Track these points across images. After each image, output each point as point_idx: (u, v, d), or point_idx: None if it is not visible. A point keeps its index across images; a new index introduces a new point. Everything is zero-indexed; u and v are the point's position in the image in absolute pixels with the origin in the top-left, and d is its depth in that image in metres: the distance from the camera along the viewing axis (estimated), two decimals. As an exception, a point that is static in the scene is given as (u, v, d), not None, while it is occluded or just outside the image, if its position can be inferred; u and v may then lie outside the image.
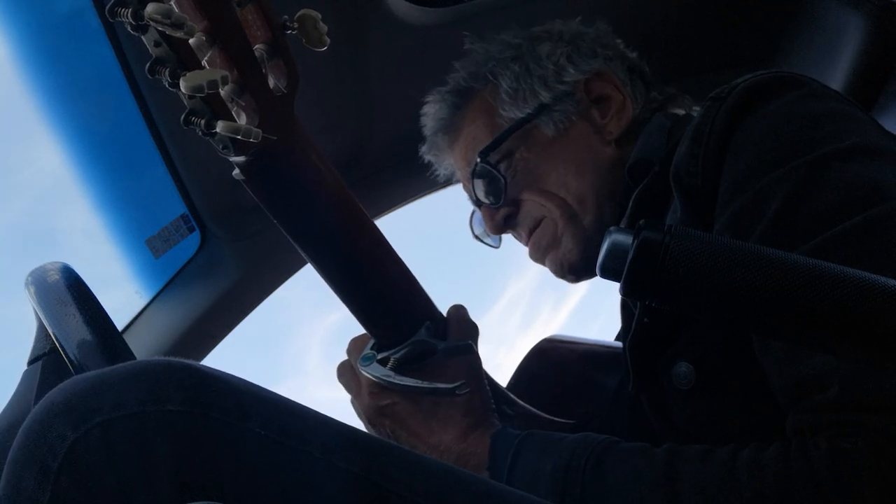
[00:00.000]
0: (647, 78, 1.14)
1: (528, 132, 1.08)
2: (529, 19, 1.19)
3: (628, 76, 1.12)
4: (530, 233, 1.11)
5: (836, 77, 1.33)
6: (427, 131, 1.20)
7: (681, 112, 1.10)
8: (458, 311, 0.98)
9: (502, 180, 1.08)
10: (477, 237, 1.23)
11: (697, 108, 0.90)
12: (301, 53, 0.74)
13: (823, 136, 0.75)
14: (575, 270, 1.09)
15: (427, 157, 1.23)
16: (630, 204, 0.95)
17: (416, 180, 1.51)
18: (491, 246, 1.22)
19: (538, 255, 1.11)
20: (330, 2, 1.24)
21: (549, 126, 1.07)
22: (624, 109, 1.09)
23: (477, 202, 1.13)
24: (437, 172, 1.25)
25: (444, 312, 0.98)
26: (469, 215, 1.24)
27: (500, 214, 1.11)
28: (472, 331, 0.97)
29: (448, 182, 1.33)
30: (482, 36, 1.17)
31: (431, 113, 1.18)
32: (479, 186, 1.10)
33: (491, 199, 1.10)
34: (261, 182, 0.78)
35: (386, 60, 1.35)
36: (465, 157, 1.14)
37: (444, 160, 1.21)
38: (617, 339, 1.10)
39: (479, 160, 1.08)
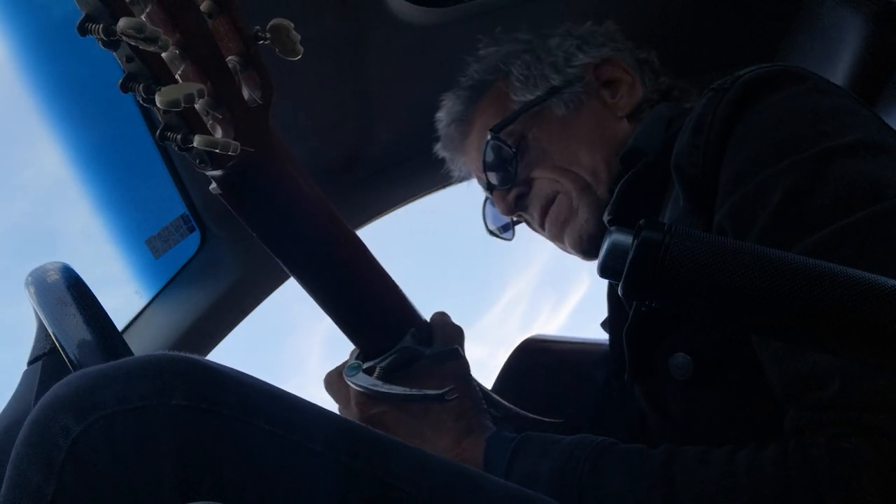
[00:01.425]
0: (656, 68, 1.17)
1: (539, 113, 1.10)
2: (530, 19, 1.19)
3: (637, 65, 1.15)
4: (543, 211, 1.11)
5: (837, 77, 1.33)
6: (441, 126, 1.22)
7: (687, 105, 1.10)
8: (442, 318, 0.98)
9: (514, 155, 1.09)
10: (491, 232, 1.25)
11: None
12: (266, 64, 0.74)
13: (827, 130, 0.75)
14: (595, 243, 1.08)
15: (441, 154, 1.25)
16: (616, 191, 0.95)
17: (416, 180, 1.51)
18: (505, 239, 1.24)
19: (555, 231, 1.11)
20: (330, 2, 1.24)
21: (560, 106, 1.09)
22: (634, 89, 1.11)
23: (489, 187, 1.14)
24: (451, 171, 1.26)
25: (448, 314, 0.98)
26: (482, 210, 1.25)
27: (511, 195, 1.12)
28: (457, 335, 0.97)
29: (449, 182, 1.33)
30: (494, 38, 1.19)
31: (446, 109, 1.20)
32: (491, 168, 1.11)
33: (503, 179, 1.11)
34: (238, 195, 0.78)
35: (386, 60, 1.35)
36: (478, 147, 1.15)
37: (457, 156, 1.23)
38: (602, 325, 1.10)
39: (490, 137, 1.09)
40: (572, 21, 1.20)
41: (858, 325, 0.42)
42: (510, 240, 1.23)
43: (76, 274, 0.80)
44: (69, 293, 0.76)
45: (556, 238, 1.13)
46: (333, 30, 1.26)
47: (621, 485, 0.74)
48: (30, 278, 0.80)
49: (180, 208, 1.39)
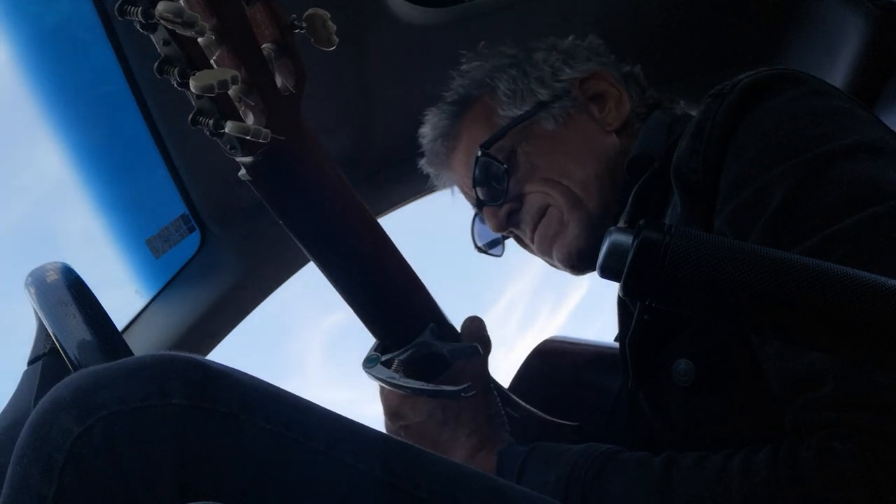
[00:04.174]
0: (641, 82, 1.16)
1: (527, 128, 1.09)
2: (529, 19, 1.19)
3: (623, 78, 1.15)
4: (534, 226, 1.10)
5: (837, 77, 1.33)
6: (426, 142, 1.20)
7: (679, 111, 1.11)
8: (475, 323, 0.98)
9: (504, 171, 1.07)
10: (479, 248, 1.23)
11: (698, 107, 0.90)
12: (301, 53, 0.74)
13: (825, 133, 0.75)
14: (584, 258, 1.07)
15: (426, 170, 1.24)
16: (629, 200, 0.95)
17: (416, 180, 1.51)
18: (494, 255, 1.22)
19: (545, 245, 1.10)
20: (330, 2, 1.23)
21: (548, 121, 1.09)
22: (621, 102, 1.11)
23: (479, 203, 1.12)
24: (436, 186, 1.25)
25: (447, 314, 0.97)
26: (470, 227, 1.24)
27: (503, 211, 1.10)
28: (484, 344, 0.96)
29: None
30: (479, 52, 1.18)
31: (430, 124, 1.19)
32: (481, 185, 1.10)
33: (494, 195, 1.10)
34: (267, 182, 0.78)
35: (386, 60, 1.35)
36: (465, 163, 1.14)
37: (443, 172, 1.21)
38: (615, 340, 1.10)
39: (479, 153, 1.08)
40: (571, 22, 1.20)
41: (858, 324, 0.42)
42: (499, 255, 1.22)
43: (76, 274, 0.80)
44: (69, 293, 0.76)
45: (545, 253, 1.11)
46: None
47: (621, 492, 0.75)
48: (30, 278, 0.80)
49: (180, 208, 1.39)
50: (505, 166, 1.07)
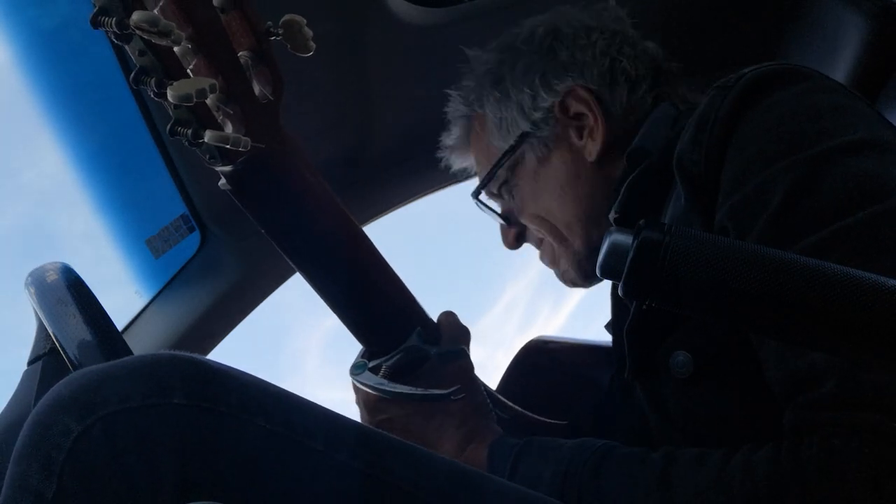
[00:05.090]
0: (630, 76, 1.07)
1: (516, 161, 1.11)
2: (528, 19, 1.19)
3: (607, 81, 1.06)
4: (538, 248, 1.17)
5: (837, 77, 1.33)
6: (449, 145, 1.23)
7: (683, 107, 1.09)
8: (449, 317, 0.98)
9: (497, 214, 1.15)
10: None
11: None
12: (277, 60, 0.74)
13: (828, 129, 0.75)
14: (578, 284, 1.13)
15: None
16: (621, 191, 0.95)
17: (416, 180, 1.51)
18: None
19: (549, 267, 1.17)
20: (330, 2, 1.24)
21: (531, 154, 1.09)
22: (597, 129, 1.05)
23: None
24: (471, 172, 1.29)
25: (438, 316, 0.97)
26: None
27: (511, 234, 1.17)
28: (464, 335, 0.97)
29: (448, 183, 1.33)
30: (477, 45, 1.18)
31: (450, 129, 1.21)
32: (489, 210, 1.18)
33: (501, 219, 1.17)
34: (248, 191, 0.78)
35: (386, 60, 1.35)
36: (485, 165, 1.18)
37: (470, 169, 1.26)
38: (606, 327, 1.10)
39: (473, 200, 1.15)
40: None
41: (858, 325, 0.42)
42: None
43: (76, 274, 0.80)
44: (69, 293, 0.76)
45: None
46: (333, 30, 1.26)
47: (619, 489, 0.75)
48: (30, 278, 0.80)
49: (180, 208, 1.39)
50: (496, 212, 1.16)
